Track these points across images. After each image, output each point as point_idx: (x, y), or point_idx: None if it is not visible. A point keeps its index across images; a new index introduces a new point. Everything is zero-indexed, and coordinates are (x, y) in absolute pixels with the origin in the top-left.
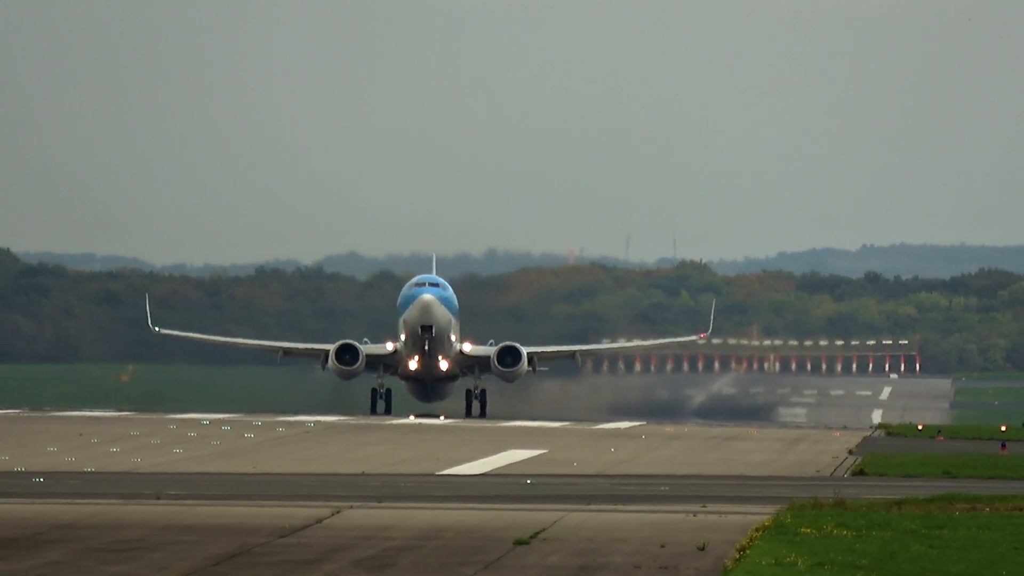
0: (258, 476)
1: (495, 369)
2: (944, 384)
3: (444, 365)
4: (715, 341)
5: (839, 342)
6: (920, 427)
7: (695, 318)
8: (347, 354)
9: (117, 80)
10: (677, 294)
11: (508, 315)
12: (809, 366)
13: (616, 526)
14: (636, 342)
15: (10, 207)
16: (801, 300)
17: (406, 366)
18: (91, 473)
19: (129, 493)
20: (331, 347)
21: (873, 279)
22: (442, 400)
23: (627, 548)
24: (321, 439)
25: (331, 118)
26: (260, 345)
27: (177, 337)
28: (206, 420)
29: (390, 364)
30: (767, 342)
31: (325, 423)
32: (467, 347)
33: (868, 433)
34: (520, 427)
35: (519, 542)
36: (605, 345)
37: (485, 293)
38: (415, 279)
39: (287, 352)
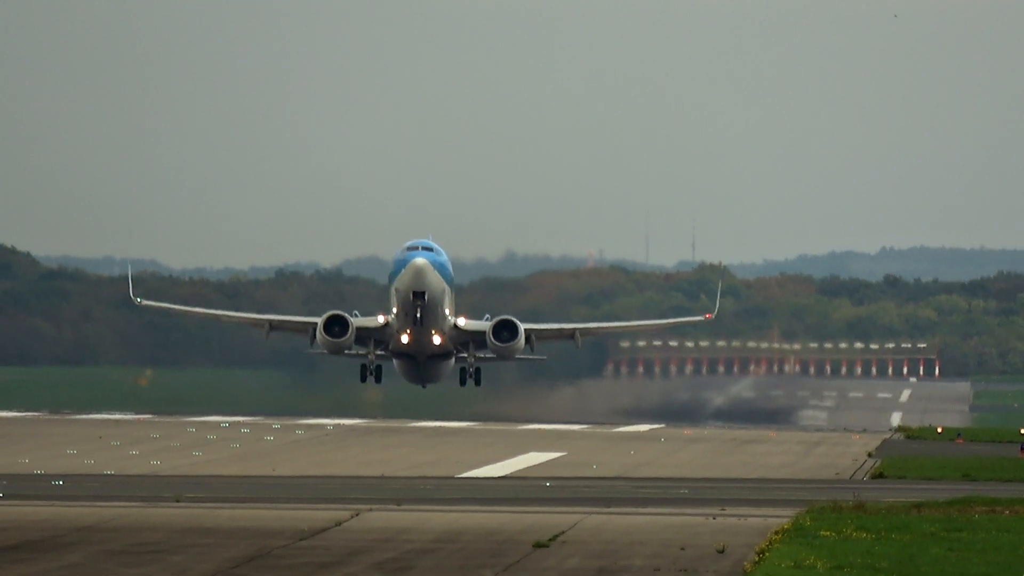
0: (278, 479)
1: (491, 344)
2: (963, 387)
3: (437, 339)
4: (734, 344)
5: (858, 345)
6: (939, 430)
7: (715, 321)
8: (336, 326)
9: (136, 85)
10: (696, 297)
11: (526, 317)
12: (828, 369)
13: (635, 529)
14: (637, 322)
15: (30, 211)
16: (820, 303)
17: (398, 340)
18: (111, 476)
19: (149, 496)
20: (319, 319)
21: (892, 282)
22: (435, 383)
23: (646, 551)
24: (341, 442)
25: (348, 122)
26: (245, 318)
27: (158, 308)
28: (225, 423)
29: (381, 339)
30: (786, 345)
31: (345, 426)
32: (462, 321)
33: (887, 436)
34: (539, 430)
35: (538, 545)
36: (606, 324)
37: (503, 295)
38: (407, 244)
39: (274, 326)
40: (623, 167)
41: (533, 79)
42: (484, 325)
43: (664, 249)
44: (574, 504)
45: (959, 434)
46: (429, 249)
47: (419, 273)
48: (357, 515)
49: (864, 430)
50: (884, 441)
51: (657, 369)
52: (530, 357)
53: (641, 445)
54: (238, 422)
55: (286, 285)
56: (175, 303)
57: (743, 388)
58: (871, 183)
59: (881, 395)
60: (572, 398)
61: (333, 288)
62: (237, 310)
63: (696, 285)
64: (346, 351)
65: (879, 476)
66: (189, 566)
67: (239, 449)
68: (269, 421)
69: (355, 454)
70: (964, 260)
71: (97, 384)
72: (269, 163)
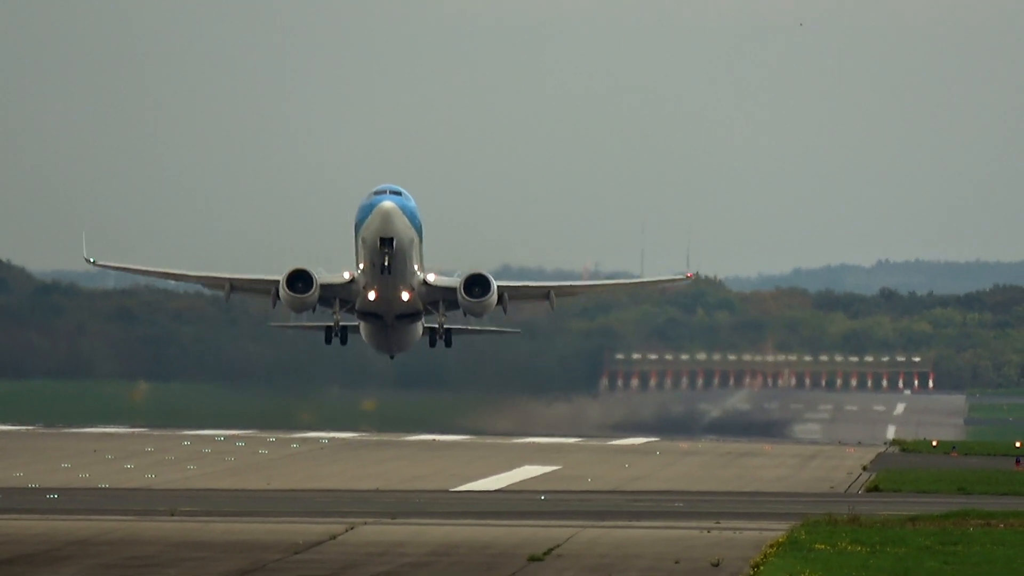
0: (272, 492)
1: (462, 301)
2: (958, 400)
3: (406, 295)
4: (729, 357)
5: (853, 358)
6: (934, 443)
7: (711, 335)
8: (299, 281)
9: (130, 96)
10: (693, 311)
11: (522, 330)
12: (824, 382)
13: (630, 542)
14: (616, 280)
15: (24, 225)
16: (816, 317)
17: (364, 297)
18: (105, 489)
19: (143, 509)
20: (281, 276)
21: (888, 295)
22: (403, 351)
23: (642, 564)
24: (336, 455)
25: (342, 132)
26: (203, 277)
27: (116, 268)
28: (220, 436)
29: (346, 298)
30: (781, 357)
31: (340, 440)
32: (431, 277)
33: (882, 449)
34: (534, 443)
35: (533, 558)
36: (581, 282)
37: (497, 309)
38: (374, 188)
39: (235, 286)
40: (619, 180)
41: (528, 91)
42: (455, 281)
43: (660, 262)
44: (569, 518)
45: (954, 447)
46: (397, 193)
47: (387, 217)
48: (352, 529)
49: (859, 443)
50: (879, 454)
51: (652, 382)
52: (503, 330)
53: (636, 458)
54: (233, 435)
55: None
56: (171, 317)
57: (738, 400)
58: (867, 197)
59: (876, 408)
60: (567, 411)
61: None
62: (235, 323)
63: (691, 298)
64: (311, 310)
65: (874, 489)
66: None
67: (233, 462)
68: (264, 434)
69: (349, 468)
70: (960, 273)
71: (92, 397)
72: (266, 176)
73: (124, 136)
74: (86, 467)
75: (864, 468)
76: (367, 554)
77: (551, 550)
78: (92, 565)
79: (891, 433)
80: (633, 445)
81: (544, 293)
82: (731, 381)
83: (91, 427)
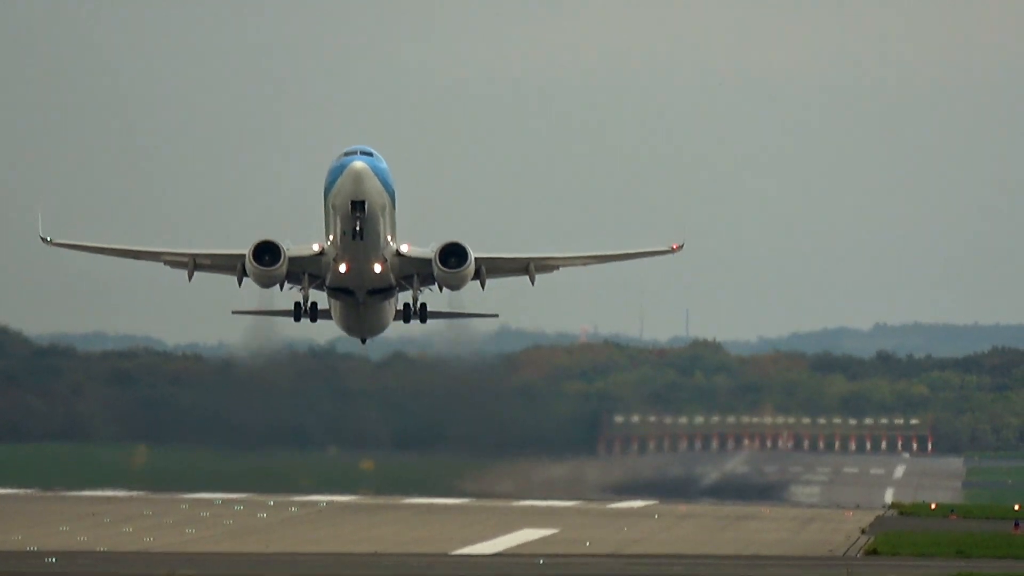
0: (271, 556)
1: (437, 272)
2: (956, 463)
3: (378, 267)
4: (728, 419)
5: (852, 421)
6: (933, 506)
7: (709, 398)
8: (267, 254)
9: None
10: (691, 373)
11: (519, 393)
12: (822, 444)
13: None
14: (600, 251)
15: (20, 288)
16: (814, 380)
17: (335, 270)
18: (104, 552)
19: (142, 573)
20: (247, 249)
21: (885, 358)
22: (376, 333)
23: None
24: (334, 519)
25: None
26: (164, 253)
27: (72, 247)
28: (219, 500)
29: (316, 273)
30: (780, 420)
31: (338, 503)
32: (404, 248)
33: (881, 512)
34: (532, 507)
35: None
36: (560, 254)
37: (495, 371)
38: (344, 150)
39: (198, 263)
40: (619, 244)
41: (529, 158)
42: (430, 252)
43: (658, 324)
44: None
45: (952, 510)
46: (368, 154)
47: (358, 178)
48: None
49: (857, 506)
50: (878, 517)
51: (651, 445)
52: (481, 314)
53: (634, 521)
54: (231, 499)
55: (279, 361)
56: (169, 380)
57: (737, 464)
58: (864, 260)
59: (874, 471)
60: (565, 474)
61: (326, 364)
62: (229, 387)
63: (690, 361)
64: (279, 286)
65: (873, 553)
66: None
67: (232, 526)
68: (262, 498)
69: (348, 531)
70: (958, 336)
71: (90, 461)
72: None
73: (118, 196)
74: (84, 530)
75: (863, 531)
76: None
77: None
78: None
79: (889, 496)
80: (632, 508)
81: (523, 266)
82: (730, 444)
83: (89, 490)
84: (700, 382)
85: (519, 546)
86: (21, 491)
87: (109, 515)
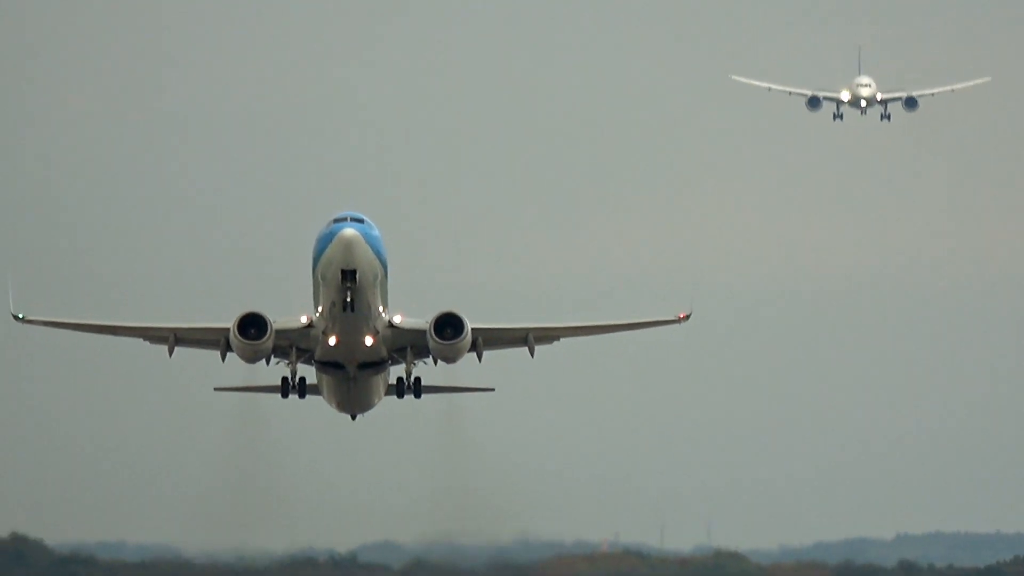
0: None
1: (432, 344)
2: None
3: (369, 340)
4: None
5: None
6: None
7: None
8: (252, 327)
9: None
10: None
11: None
12: None
13: None
14: (602, 322)
15: (39, 497)
16: None
17: (324, 343)
18: None
19: None
20: (231, 323)
21: (907, 567)
22: (366, 409)
23: None
24: None
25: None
26: (145, 328)
27: (46, 323)
28: None
29: (304, 346)
30: None
31: None
32: (397, 319)
33: None
34: None
35: None
36: (561, 324)
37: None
38: (333, 216)
39: (179, 337)
40: (638, 452)
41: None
42: (424, 323)
43: (680, 533)
44: None
45: None
46: (359, 221)
47: (349, 246)
48: None
49: None
50: None
51: None
52: (478, 388)
53: None
54: None
55: (298, 572)
56: None
57: None
58: (886, 470)
59: None
60: None
61: (347, 574)
62: None
63: (713, 571)
64: (265, 361)
65: None
66: None
67: None
68: None
69: None
70: (980, 545)
71: None
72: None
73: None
74: None
75: None
76: None
77: None
78: None
79: None
80: None
81: (522, 336)
82: None
83: None
84: None
85: None
86: None
87: None
